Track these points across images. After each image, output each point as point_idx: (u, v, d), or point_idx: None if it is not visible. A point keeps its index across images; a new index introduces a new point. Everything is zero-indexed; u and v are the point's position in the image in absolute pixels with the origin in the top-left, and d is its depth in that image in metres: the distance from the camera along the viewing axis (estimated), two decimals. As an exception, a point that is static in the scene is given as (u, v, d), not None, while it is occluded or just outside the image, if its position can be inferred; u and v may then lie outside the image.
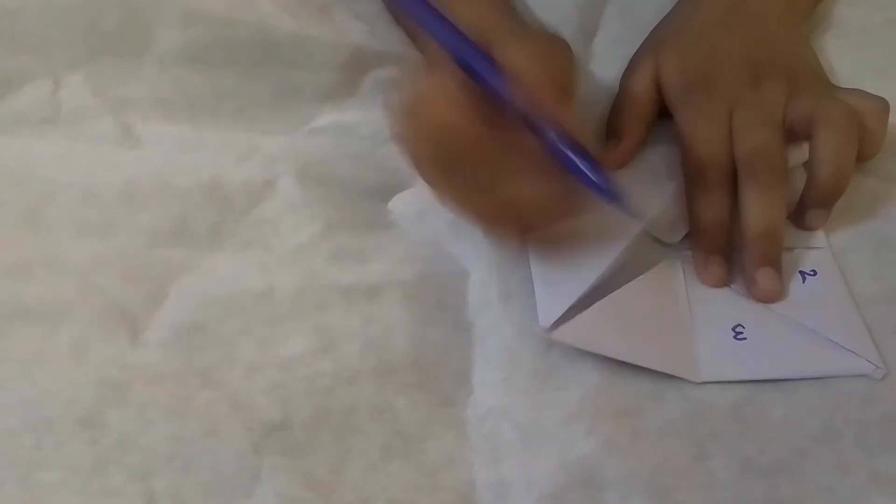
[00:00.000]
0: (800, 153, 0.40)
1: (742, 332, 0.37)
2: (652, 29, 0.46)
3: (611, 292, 0.37)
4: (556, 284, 0.37)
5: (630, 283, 0.38)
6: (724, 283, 0.39)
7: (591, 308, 0.37)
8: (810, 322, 0.37)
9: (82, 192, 0.38)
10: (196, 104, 0.42)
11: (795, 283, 0.39)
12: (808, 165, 0.40)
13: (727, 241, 0.39)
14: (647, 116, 0.43)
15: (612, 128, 0.43)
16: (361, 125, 0.44)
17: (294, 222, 0.40)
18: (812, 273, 0.39)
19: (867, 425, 0.34)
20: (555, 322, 0.36)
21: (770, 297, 0.38)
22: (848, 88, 0.43)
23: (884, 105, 0.40)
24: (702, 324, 0.37)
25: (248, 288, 0.37)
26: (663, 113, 0.44)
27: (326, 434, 0.33)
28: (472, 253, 0.39)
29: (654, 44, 0.45)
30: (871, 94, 0.41)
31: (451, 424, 0.34)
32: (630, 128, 0.43)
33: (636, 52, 0.46)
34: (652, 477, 0.33)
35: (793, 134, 0.40)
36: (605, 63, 0.47)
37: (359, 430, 0.33)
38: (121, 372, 0.33)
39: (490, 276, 0.38)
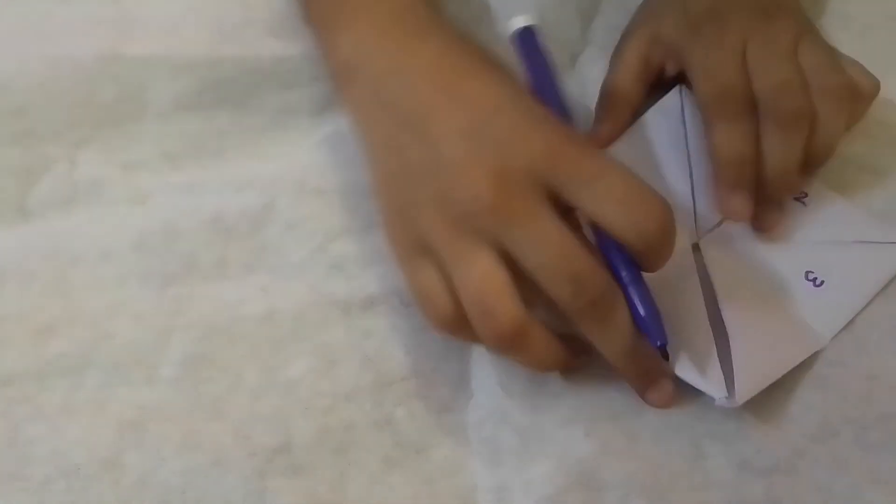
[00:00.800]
0: None
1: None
2: (637, 8, 0.45)
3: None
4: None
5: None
6: (749, 217, 0.38)
7: None
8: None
9: (100, 253, 0.40)
10: (199, 149, 0.44)
11: (797, 209, 0.39)
12: None
13: (753, 176, 0.38)
14: (631, 97, 0.42)
15: (597, 110, 0.42)
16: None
17: (294, 240, 0.41)
18: (804, 195, 0.40)
19: (865, 424, 0.33)
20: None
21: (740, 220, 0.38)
22: (845, 55, 0.41)
23: (877, 84, 0.40)
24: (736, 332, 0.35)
25: (251, 313, 0.38)
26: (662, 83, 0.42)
27: (326, 452, 0.34)
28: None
29: (645, 18, 0.44)
30: (865, 69, 0.40)
31: (451, 430, 0.35)
32: (611, 113, 0.42)
33: (625, 31, 0.44)
34: (650, 477, 0.33)
35: None
36: (603, 50, 0.45)
37: (359, 446, 0.35)
38: (137, 413, 0.36)
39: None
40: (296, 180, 0.42)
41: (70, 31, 0.45)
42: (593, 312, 0.31)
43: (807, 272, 0.37)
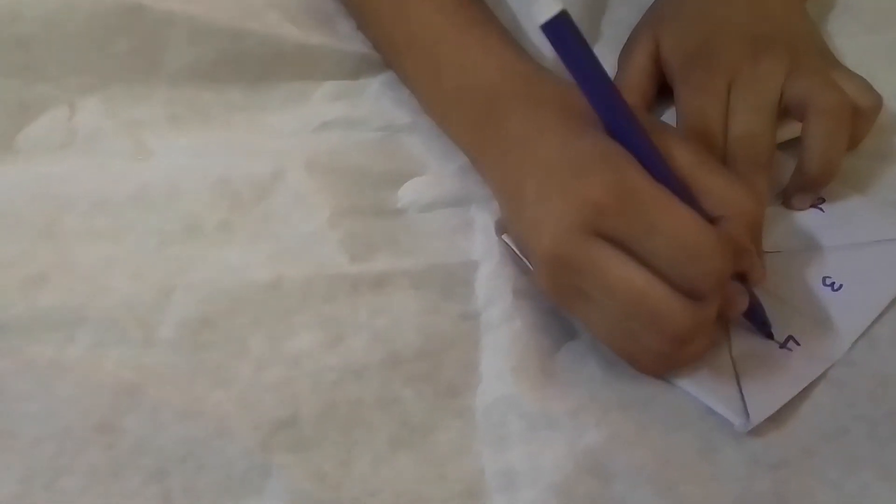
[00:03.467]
0: (793, 129, 0.39)
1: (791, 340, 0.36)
2: (650, 6, 0.45)
3: None
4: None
5: None
6: None
7: None
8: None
9: (95, 201, 0.39)
10: (207, 118, 0.42)
11: (814, 216, 0.39)
12: (799, 148, 0.39)
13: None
14: (643, 96, 0.42)
15: None
16: (372, 118, 0.44)
17: (302, 211, 0.40)
18: (821, 200, 0.40)
19: (875, 420, 0.34)
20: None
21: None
22: (849, 71, 0.41)
23: (878, 100, 0.40)
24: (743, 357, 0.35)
25: (257, 279, 0.37)
26: (666, 90, 0.43)
27: (333, 428, 0.34)
28: (484, 246, 0.39)
29: (652, 19, 0.44)
30: (869, 84, 0.40)
31: (458, 414, 0.35)
32: None
33: (634, 30, 0.45)
34: (659, 469, 0.33)
35: (787, 112, 0.39)
36: (613, 45, 0.46)
37: (366, 424, 0.34)
38: (134, 374, 0.34)
39: (502, 270, 0.38)
40: (305, 156, 0.41)
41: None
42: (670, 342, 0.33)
43: (824, 278, 0.37)
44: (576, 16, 0.45)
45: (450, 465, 0.33)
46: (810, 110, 0.38)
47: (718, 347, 0.35)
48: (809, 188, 0.40)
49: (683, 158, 0.34)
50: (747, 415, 0.33)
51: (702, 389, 0.34)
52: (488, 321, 0.37)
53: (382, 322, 0.36)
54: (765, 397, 0.34)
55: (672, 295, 0.32)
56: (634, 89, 0.43)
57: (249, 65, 0.43)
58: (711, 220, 0.33)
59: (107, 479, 0.32)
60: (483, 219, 0.40)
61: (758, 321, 0.36)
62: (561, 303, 0.35)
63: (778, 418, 0.34)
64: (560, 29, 0.31)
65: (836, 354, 0.35)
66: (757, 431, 0.34)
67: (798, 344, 0.35)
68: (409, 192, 0.41)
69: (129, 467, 0.32)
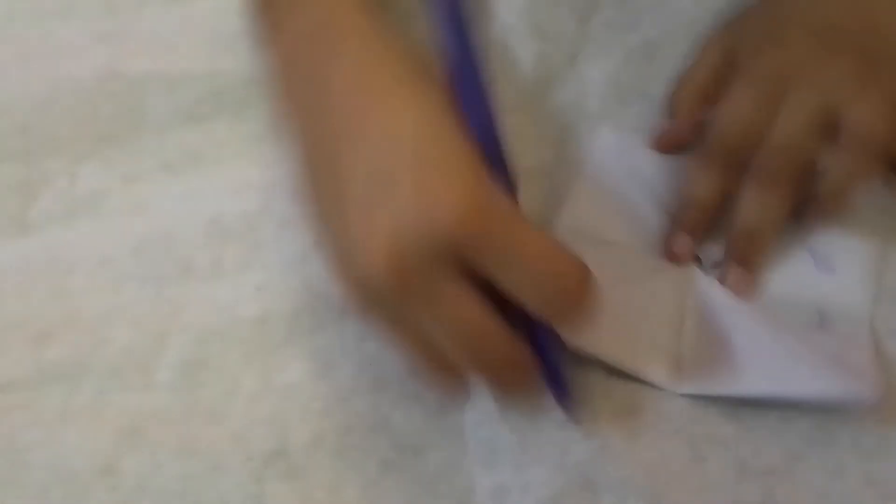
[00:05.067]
0: None
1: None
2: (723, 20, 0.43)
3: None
4: None
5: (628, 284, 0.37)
6: (684, 262, 0.38)
7: None
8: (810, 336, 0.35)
9: (99, 259, 0.41)
10: (198, 159, 0.44)
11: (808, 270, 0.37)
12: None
13: (703, 224, 0.38)
14: (702, 96, 0.40)
15: (671, 103, 0.41)
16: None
17: (288, 236, 0.41)
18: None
19: (862, 429, 0.33)
20: None
21: (737, 296, 0.37)
22: None
23: None
24: (694, 334, 0.35)
25: (245, 316, 0.38)
26: None
27: (323, 456, 0.34)
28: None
29: (729, 24, 0.42)
30: None
31: (447, 432, 0.35)
32: (682, 108, 0.40)
33: (705, 38, 0.42)
34: (648, 479, 0.33)
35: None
36: (603, 48, 0.45)
37: (355, 449, 0.35)
38: (134, 419, 0.36)
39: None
40: (292, 183, 0.42)
41: (70, 51, 0.46)
42: (500, 384, 0.31)
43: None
44: (560, 17, 0.46)
45: (440, 485, 0.34)
46: (842, 129, 0.36)
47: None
48: (821, 213, 0.37)
49: None
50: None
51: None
52: (474, 338, 0.37)
53: (369, 347, 0.37)
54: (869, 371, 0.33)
55: (508, 338, 0.29)
56: (689, 92, 0.41)
57: (229, 98, 0.45)
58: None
59: (111, 519, 0.33)
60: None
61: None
62: (373, 320, 0.31)
63: (765, 422, 0.34)
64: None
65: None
66: (744, 436, 0.33)
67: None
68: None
69: (131, 507, 0.34)
